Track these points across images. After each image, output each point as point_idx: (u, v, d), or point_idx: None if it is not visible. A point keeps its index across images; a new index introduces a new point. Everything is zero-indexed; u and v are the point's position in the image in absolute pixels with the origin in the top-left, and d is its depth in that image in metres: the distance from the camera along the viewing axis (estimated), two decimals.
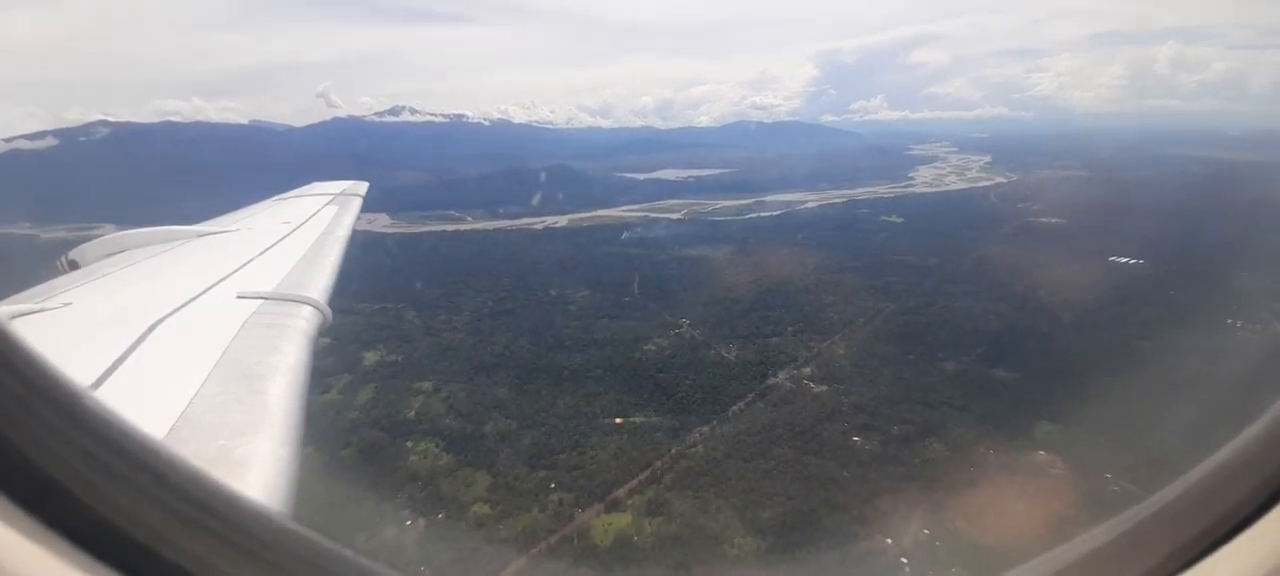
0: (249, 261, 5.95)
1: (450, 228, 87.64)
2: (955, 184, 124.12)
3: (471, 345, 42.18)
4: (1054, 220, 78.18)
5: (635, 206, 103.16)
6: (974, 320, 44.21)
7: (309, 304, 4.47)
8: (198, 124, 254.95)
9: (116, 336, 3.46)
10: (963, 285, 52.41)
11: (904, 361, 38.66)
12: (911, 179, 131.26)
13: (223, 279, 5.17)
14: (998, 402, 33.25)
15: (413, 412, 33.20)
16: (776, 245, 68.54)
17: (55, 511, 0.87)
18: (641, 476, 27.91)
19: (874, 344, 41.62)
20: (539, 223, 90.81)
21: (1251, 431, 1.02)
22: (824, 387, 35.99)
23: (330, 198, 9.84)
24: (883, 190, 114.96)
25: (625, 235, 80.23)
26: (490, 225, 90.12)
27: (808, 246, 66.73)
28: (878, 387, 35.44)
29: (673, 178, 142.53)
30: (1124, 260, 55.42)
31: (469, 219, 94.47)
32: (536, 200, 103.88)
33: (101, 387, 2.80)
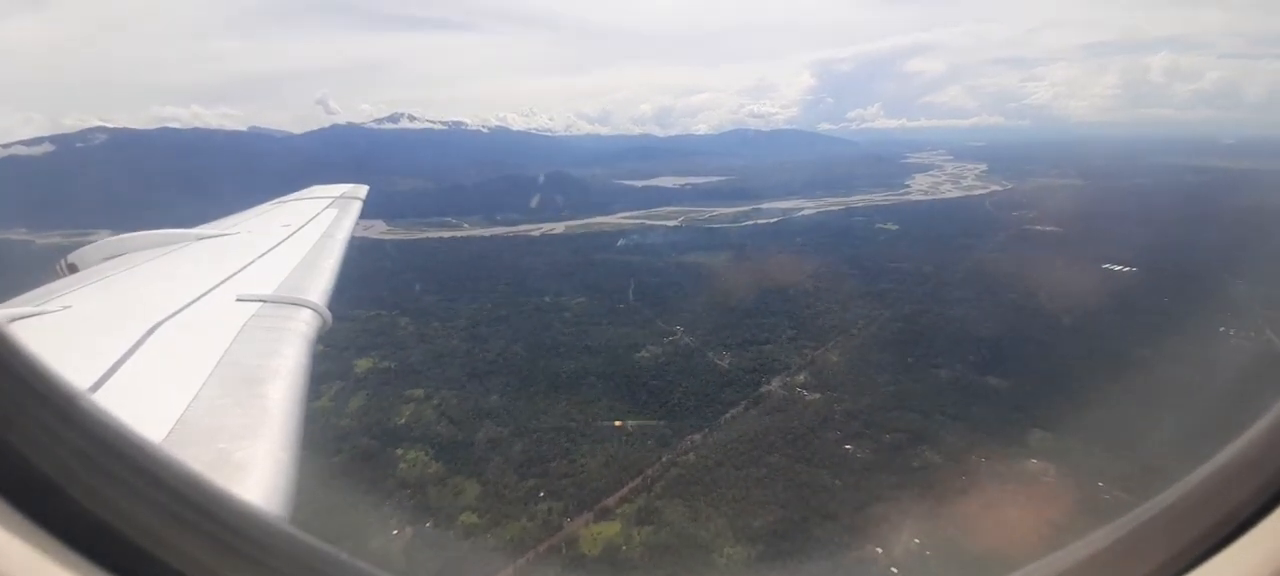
0: (249, 264, 5.95)
1: (447, 234, 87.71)
2: (951, 192, 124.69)
3: (465, 352, 42.03)
4: (1048, 228, 78.52)
5: (632, 213, 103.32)
6: (968, 327, 44.19)
7: (309, 307, 4.46)
8: (196, 130, 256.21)
9: (116, 339, 3.46)
10: (957, 292, 52.48)
11: (898, 369, 38.61)
12: (907, 187, 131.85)
13: (222, 282, 5.16)
14: (991, 410, 33.17)
15: (403, 420, 33.00)
16: (772, 252, 68.67)
17: (54, 514, 0.87)
18: (632, 484, 27.72)
19: (868, 351, 41.58)
20: (536, 229, 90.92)
21: (1251, 433, 1.01)
22: (817, 395, 35.89)
23: (330, 200, 9.82)
24: (879, 198, 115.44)
25: (621, 242, 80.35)
26: (487, 231, 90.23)
27: (803, 253, 66.80)
28: (871, 395, 35.35)
29: (670, 185, 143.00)
30: (1117, 268, 55.63)
31: (466, 225, 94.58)
32: (535, 204, 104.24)
33: (101, 390, 2.79)
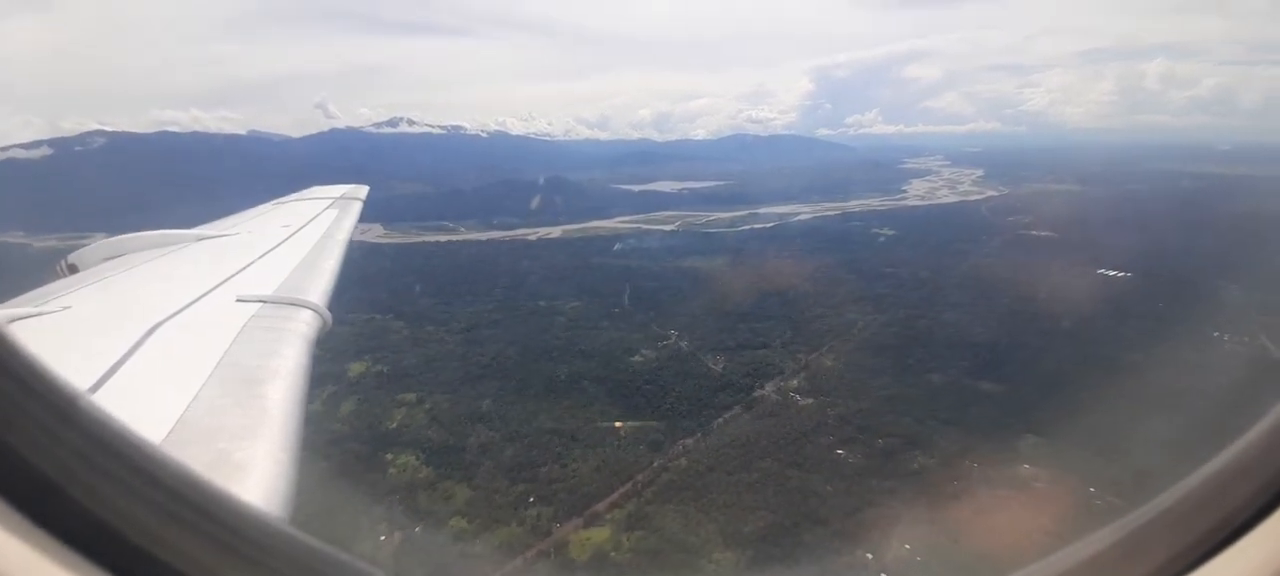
0: (249, 265, 5.93)
1: (444, 238, 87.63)
2: (947, 197, 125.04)
3: (458, 356, 41.93)
4: (1044, 233, 78.68)
5: (629, 218, 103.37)
6: (962, 332, 44.21)
7: (309, 307, 4.46)
8: (195, 134, 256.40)
9: (116, 339, 3.46)
10: (952, 297, 52.54)
11: (892, 373, 38.57)
12: (904, 192, 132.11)
13: (222, 282, 5.16)
14: (983, 415, 33.12)
15: (395, 424, 32.89)
16: (768, 256, 68.73)
17: (53, 514, 0.86)
18: (623, 489, 27.61)
19: (862, 356, 41.55)
20: (533, 233, 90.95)
21: (1250, 437, 1.01)
22: (810, 400, 35.83)
23: (330, 201, 9.81)
24: (876, 203, 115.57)
25: (618, 246, 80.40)
26: (484, 236, 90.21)
27: (799, 258, 66.83)
28: (864, 400, 35.29)
29: (668, 189, 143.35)
30: (1112, 273, 55.72)
31: (463, 229, 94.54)
32: (534, 206, 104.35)
33: (101, 390, 2.79)
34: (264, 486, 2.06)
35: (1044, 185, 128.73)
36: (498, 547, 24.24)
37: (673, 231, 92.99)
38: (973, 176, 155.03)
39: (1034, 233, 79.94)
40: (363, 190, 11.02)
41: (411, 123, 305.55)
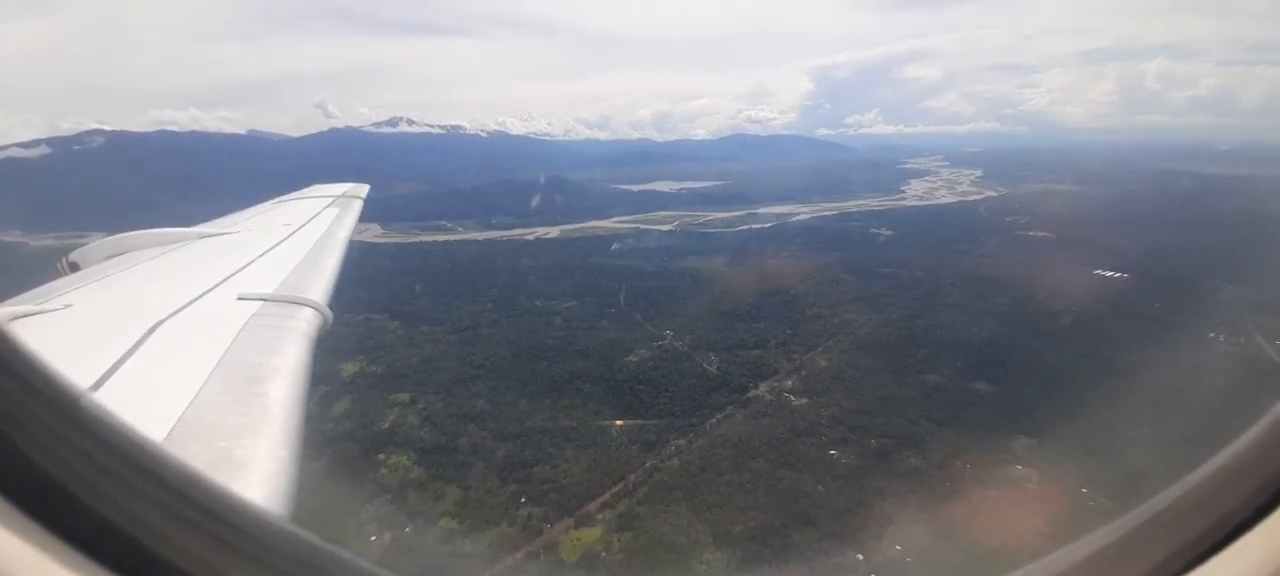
0: (250, 263, 5.92)
1: (441, 238, 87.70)
2: (946, 197, 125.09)
3: (453, 356, 41.86)
4: (1042, 233, 78.65)
5: (628, 218, 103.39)
6: (959, 332, 44.16)
7: (310, 306, 4.45)
8: (194, 133, 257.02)
9: (117, 338, 3.46)
10: (949, 297, 52.50)
11: (886, 374, 38.49)
12: (903, 192, 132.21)
13: (223, 280, 5.15)
14: (977, 416, 33.06)
15: (387, 424, 32.83)
16: (766, 256, 68.72)
17: (55, 513, 0.87)
18: (614, 489, 27.55)
19: (857, 356, 41.48)
20: (530, 233, 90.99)
21: (1249, 436, 1.01)
22: (804, 400, 35.75)
23: (331, 199, 9.79)
24: (874, 203, 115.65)
25: (615, 246, 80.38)
26: (481, 236, 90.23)
27: (797, 258, 66.81)
28: (858, 400, 35.23)
29: (667, 190, 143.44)
30: (1109, 274, 55.66)
31: (460, 229, 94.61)
32: (533, 206, 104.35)
33: (102, 389, 2.78)
34: (265, 484, 2.06)
35: (1043, 185, 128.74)
36: (489, 547, 24.18)
37: (671, 231, 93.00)
38: (972, 176, 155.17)
39: (1031, 233, 79.90)
40: (364, 189, 11.00)
41: (411, 122, 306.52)
